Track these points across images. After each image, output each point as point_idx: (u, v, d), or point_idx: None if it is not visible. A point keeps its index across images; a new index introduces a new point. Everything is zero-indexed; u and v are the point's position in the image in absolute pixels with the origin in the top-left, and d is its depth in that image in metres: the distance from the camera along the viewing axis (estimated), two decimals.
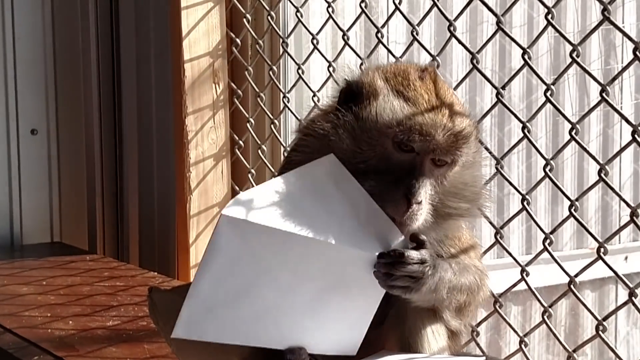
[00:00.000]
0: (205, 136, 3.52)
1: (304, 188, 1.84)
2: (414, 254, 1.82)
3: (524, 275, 2.40)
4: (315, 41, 3.18)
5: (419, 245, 1.85)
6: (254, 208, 1.77)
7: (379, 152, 1.87)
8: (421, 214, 1.84)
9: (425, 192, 1.84)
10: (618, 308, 2.31)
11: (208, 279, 1.80)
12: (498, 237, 2.48)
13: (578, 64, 2.26)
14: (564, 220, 2.37)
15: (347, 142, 1.87)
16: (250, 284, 1.82)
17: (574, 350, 2.27)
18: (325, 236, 1.78)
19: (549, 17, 2.33)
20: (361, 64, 2.98)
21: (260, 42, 3.47)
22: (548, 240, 2.33)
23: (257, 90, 3.49)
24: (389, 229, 1.84)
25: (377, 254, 1.81)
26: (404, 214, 1.82)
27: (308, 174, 1.86)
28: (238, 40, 3.56)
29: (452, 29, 2.60)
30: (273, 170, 3.36)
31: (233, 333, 1.87)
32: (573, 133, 2.26)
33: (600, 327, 2.16)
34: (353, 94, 1.92)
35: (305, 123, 2.09)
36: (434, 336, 2.01)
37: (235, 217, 1.75)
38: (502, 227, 2.49)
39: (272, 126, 3.43)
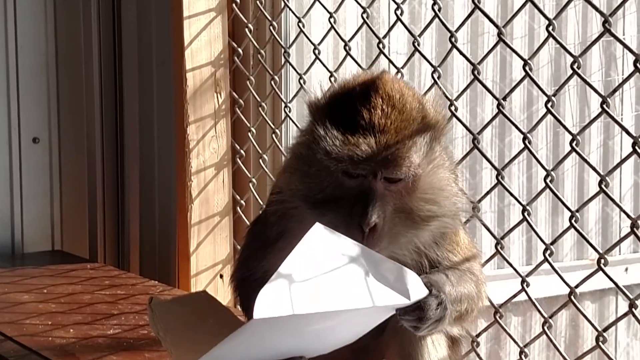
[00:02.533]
0: (207, 145, 3.52)
1: (312, 264, 1.81)
2: (432, 302, 1.81)
3: (525, 285, 2.40)
4: (316, 51, 3.19)
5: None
6: (281, 301, 1.73)
7: (331, 182, 1.86)
8: (381, 236, 1.83)
9: (378, 215, 1.81)
10: (618, 319, 2.30)
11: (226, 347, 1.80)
12: (498, 247, 2.48)
13: (579, 75, 2.27)
14: (564, 231, 2.37)
15: (298, 179, 1.90)
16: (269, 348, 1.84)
17: None
18: (353, 303, 1.77)
19: (550, 28, 2.34)
20: None
21: (262, 51, 3.49)
22: (548, 251, 2.34)
23: (259, 99, 3.50)
24: (400, 273, 1.84)
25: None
26: (362, 243, 1.81)
27: (306, 250, 1.82)
28: (240, 50, 3.57)
29: (453, 39, 2.61)
30: (274, 179, 3.36)
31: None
32: (574, 144, 2.27)
33: (601, 338, 2.17)
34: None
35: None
36: (434, 346, 2.02)
37: (268, 318, 1.71)
38: (502, 238, 2.50)
39: (273, 136, 3.43)
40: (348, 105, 1.87)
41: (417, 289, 1.83)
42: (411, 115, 1.88)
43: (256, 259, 2.10)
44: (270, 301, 1.70)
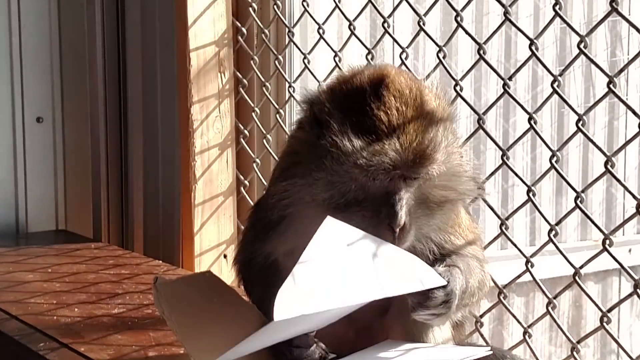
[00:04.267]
0: (211, 125, 3.51)
1: (325, 259, 1.81)
2: (439, 293, 1.85)
3: (529, 266, 2.40)
4: (321, 31, 3.17)
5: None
6: (299, 301, 1.74)
7: (355, 186, 1.87)
8: (409, 232, 1.87)
9: (406, 213, 1.85)
10: (622, 300, 2.30)
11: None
12: (503, 228, 2.48)
13: (585, 55, 2.26)
14: (569, 212, 2.37)
15: (321, 187, 1.88)
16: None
17: (578, 342, 2.27)
18: (369, 296, 1.80)
19: (556, 7, 2.32)
20: (367, 54, 2.98)
21: (266, 31, 3.47)
22: (553, 232, 2.33)
23: (263, 79, 3.49)
24: (414, 264, 1.87)
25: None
26: (393, 242, 1.84)
27: (319, 245, 1.82)
28: (244, 30, 3.55)
29: (458, 19, 2.60)
30: (277, 159, 3.35)
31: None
32: (579, 124, 2.26)
33: (605, 319, 2.17)
34: (317, 121, 1.91)
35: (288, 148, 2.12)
36: (439, 326, 2.02)
37: (287, 318, 1.73)
38: (507, 218, 2.49)
39: (277, 116, 3.42)
40: (361, 107, 1.87)
41: (430, 279, 1.85)
42: (424, 110, 1.90)
43: (258, 243, 2.11)
44: (288, 302, 1.72)
